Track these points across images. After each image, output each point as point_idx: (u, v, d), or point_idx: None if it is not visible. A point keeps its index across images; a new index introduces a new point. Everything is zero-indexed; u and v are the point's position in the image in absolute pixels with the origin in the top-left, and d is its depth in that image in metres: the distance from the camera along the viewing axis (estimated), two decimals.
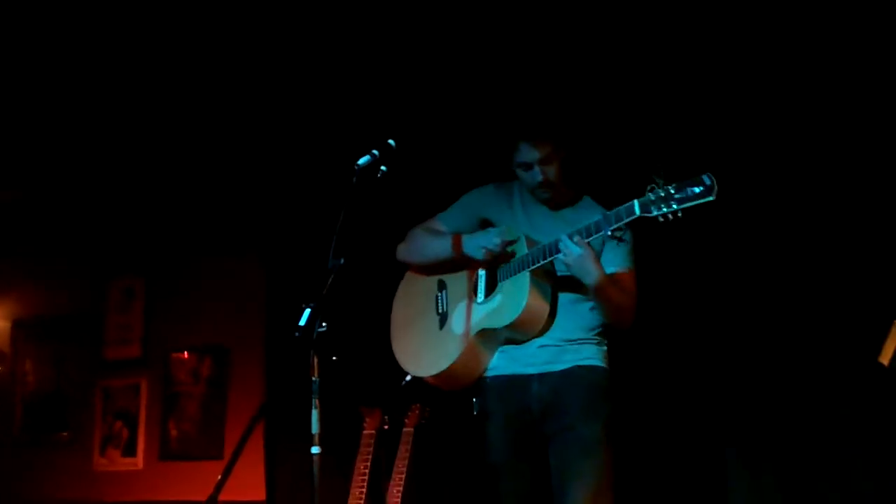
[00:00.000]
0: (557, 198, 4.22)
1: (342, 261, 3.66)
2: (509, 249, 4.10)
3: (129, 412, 7.99)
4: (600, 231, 3.86)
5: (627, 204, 3.79)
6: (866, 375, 4.09)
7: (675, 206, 3.67)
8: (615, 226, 3.83)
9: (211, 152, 7.30)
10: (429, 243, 4.39)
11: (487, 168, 4.40)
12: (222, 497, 3.65)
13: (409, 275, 4.61)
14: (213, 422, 7.48)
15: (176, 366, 7.78)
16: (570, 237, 3.89)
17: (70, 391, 8.37)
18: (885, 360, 2.97)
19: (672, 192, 3.68)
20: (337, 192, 3.85)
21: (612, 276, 4.04)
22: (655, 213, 3.70)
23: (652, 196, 3.72)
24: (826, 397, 4.88)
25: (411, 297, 4.57)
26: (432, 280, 4.47)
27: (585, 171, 4.38)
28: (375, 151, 3.85)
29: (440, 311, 4.38)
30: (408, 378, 4.42)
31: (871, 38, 4.79)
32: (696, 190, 3.63)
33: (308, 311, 3.58)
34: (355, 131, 5.70)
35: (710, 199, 3.60)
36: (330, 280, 3.63)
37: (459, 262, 4.31)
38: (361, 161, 3.83)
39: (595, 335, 4.17)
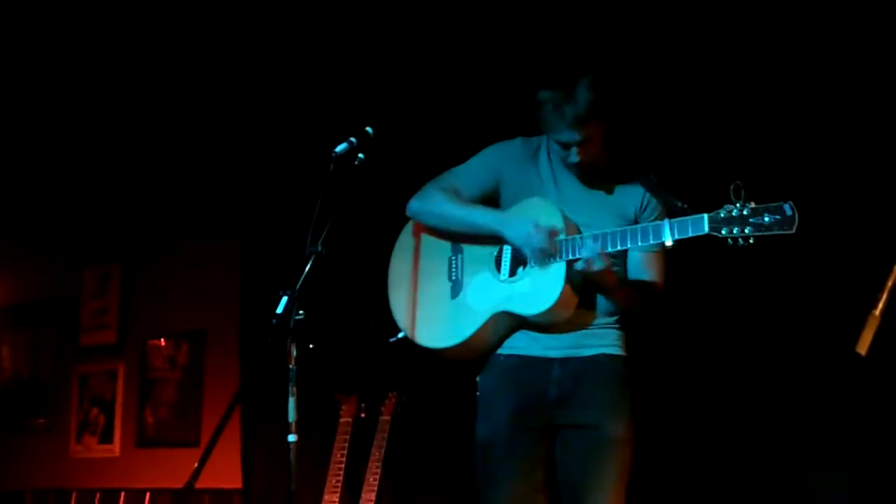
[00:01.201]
0: (594, 168, 3.95)
1: (319, 248, 3.63)
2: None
3: (105, 399, 7.97)
4: (659, 239, 3.62)
5: (695, 217, 3.56)
6: (844, 365, 4.07)
7: (748, 231, 3.46)
8: (678, 237, 3.61)
9: (188, 138, 7.28)
10: (451, 212, 4.04)
11: (468, 153, 4.28)
12: (199, 485, 3.62)
13: (414, 225, 4.27)
14: (189, 408, 7.47)
15: (152, 352, 7.77)
16: (595, 250, 3.68)
17: (46, 377, 8.36)
18: (862, 350, 2.97)
19: (746, 214, 3.46)
20: (315, 179, 3.82)
21: (638, 259, 3.91)
22: (725, 234, 3.49)
23: (723, 214, 3.50)
24: (805, 388, 4.89)
25: (419, 253, 4.22)
26: (446, 241, 4.15)
27: (633, 145, 4.23)
28: (353, 139, 3.80)
29: (453, 277, 4.08)
30: (399, 335, 4.22)
31: None
32: (776, 218, 3.42)
33: (285, 298, 3.56)
34: (334, 117, 5.70)
35: (789, 231, 3.41)
36: (307, 267, 3.62)
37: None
38: (339, 149, 3.77)
39: (617, 320, 3.96)
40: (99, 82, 6.93)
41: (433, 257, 4.16)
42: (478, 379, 4.08)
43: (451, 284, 4.08)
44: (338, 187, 3.72)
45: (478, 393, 4.06)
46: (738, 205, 3.47)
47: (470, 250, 4.08)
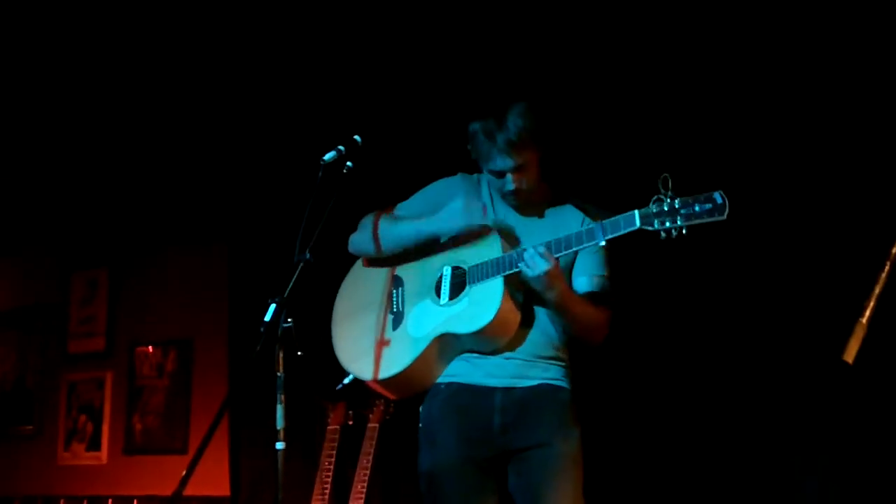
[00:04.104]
0: (531, 199, 3.95)
1: (308, 256, 3.63)
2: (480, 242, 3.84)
3: (94, 406, 7.95)
4: (592, 240, 3.60)
5: (627, 214, 3.52)
6: (831, 374, 4.07)
7: (679, 222, 3.42)
8: (611, 236, 3.57)
9: (176, 143, 7.28)
10: (386, 231, 4.07)
11: (457, 165, 4.27)
12: (186, 492, 3.61)
13: (357, 267, 4.26)
14: (177, 416, 7.45)
15: (140, 359, 7.75)
16: (537, 250, 3.64)
17: (34, 384, 8.34)
18: (849, 358, 2.97)
19: (677, 206, 3.42)
20: (302, 187, 3.83)
21: (584, 285, 3.86)
22: (657, 226, 3.45)
23: (654, 208, 3.46)
24: (792, 399, 4.89)
25: (360, 292, 4.19)
26: (386, 275, 4.13)
27: (568, 170, 4.27)
28: (341, 147, 3.80)
29: (395, 309, 4.02)
30: (346, 381, 4.19)
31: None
32: (706, 207, 3.38)
33: (273, 305, 3.56)
34: (323, 124, 5.71)
35: (721, 218, 3.37)
36: (295, 275, 3.61)
37: (423, 251, 4.02)
38: (327, 157, 3.77)
39: (563, 354, 3.91)
40: (88, 87, 6.93)
41: (374, 292, 4.14)
42: (420, 409, 4.03)
43: (392, 317, 4.04)
44: (326, 195, 3.72)
45: (420, 424, 4.01)
46: (667, 197, 3.45)
47: (410, 282, 4.07)
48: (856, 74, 4.77)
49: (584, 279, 3.89)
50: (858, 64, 4.76)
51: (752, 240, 4.97)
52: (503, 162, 3.79)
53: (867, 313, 3.01)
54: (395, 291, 4.08)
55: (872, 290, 3.02)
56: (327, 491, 5.58)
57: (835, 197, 4.77)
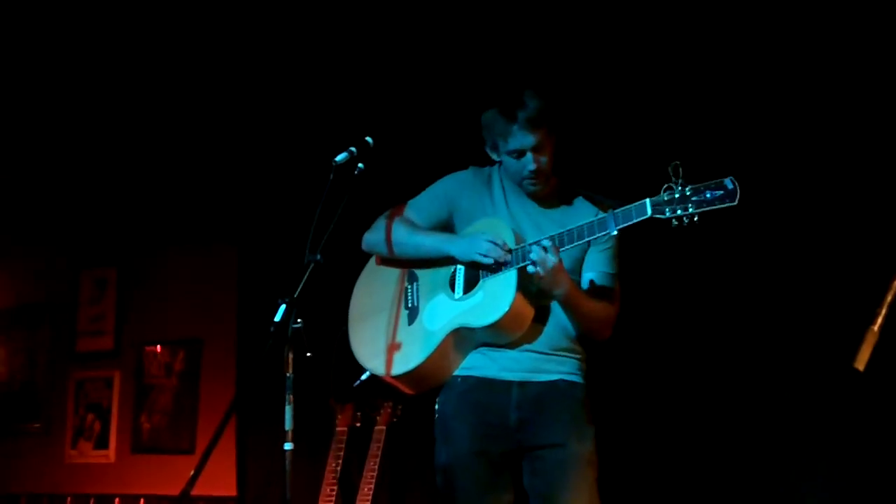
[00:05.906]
0: (546, 189, 3.96)
1: (318, 257, 3.63)
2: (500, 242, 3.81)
3: (101, 405, 7.96)
4: (605, 230, 3.62)
5: (638, 203, 3.55)
6: (842, 381, 4.07)
7: (691, 210, 3.44)
8: (623, 225, 3.59)
9: (186, 143, 7.28)
10: (403, 239, 4.06)
11: (467, 163, 4.26)
12: (193, 492, 3.62)
13: (371, 265, 4.30)
14: (184, 416, 7.46)
15: (149, 359, 7.75)
16: (542, 244, 3.66)
17: (42, 382, 8.33)
18: (860, 365, 2.97)
19: (688, 193, 3.45)
20: (313, 188, 3.83)
21: (592, 282, 3.88)
22: (669, 214, 3.47)
23: (666, 196, 3.49)
24: (801, 402, 4.88)
25: (375, 289, 4.21)
26: (401, 271, 4.15)
27: (577, 162, 4.26)
28: (353, 149, 3.81)
29: (410, 305, 4.05)
30: (363, 377, 4.20)
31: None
32: (717, 193, 3.41)
33: (283, 306, 3.56)
34: (334, 125, 5.71)
35: (732, 204, 3.39)
36: (305, 276, 3.61)
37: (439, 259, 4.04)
38: (339, 158, 3.77)
39: (578, 346, 3.92)
40: (97, 85, 6.94)
41: (389, 289, 4.15)
42: (436, 402, 4.03)
43: (407, 312, 4.06)
44: (337, 196, 3.72)
45: (436, 416, 4.02)
46: (678, 185, 3.47)
47: (425, 277, 4.08)
48: (876, 71, 4.76)
49: (593, 275, 3.91)
50: (880, 59, 4.74)
51: (764, 248, 4.96)
52: (525, 139, 3.80)
53: (879, 321, 3.00)
54: (409, 287, 4.10)
55: (884, 297, 3.02)
56: (334, 492, 5.58)
57: (848, 203, 4.76)
